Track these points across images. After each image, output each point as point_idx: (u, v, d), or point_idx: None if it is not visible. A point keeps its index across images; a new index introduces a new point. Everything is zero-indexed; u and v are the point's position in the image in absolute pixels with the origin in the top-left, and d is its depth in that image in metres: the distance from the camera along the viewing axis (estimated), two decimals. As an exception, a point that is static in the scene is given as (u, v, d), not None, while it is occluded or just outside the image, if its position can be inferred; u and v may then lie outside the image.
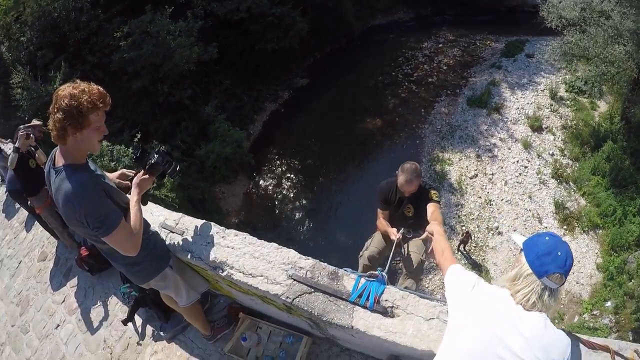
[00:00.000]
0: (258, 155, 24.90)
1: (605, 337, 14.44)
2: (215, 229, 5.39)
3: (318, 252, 21.20)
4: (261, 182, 24.42)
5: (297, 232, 22.47)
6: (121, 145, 18.01)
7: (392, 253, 6.27)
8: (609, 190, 22.50)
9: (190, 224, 5.62)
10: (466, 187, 23.27)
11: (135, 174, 4.56)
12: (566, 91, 27.36)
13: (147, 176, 4.39)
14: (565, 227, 22.10)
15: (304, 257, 5.14)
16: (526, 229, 21.97)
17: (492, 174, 23.70)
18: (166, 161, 4.56)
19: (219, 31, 26.12)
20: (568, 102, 26.80)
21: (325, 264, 4.94)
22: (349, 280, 4.56)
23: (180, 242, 5.23)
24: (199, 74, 24.47)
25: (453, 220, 22.13)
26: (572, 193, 23.29)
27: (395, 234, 6.48)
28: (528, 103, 26.62)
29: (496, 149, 24.61)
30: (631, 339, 17.79)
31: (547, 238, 3.02)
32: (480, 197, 22.94)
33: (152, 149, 4.90)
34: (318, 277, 4.66)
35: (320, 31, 31.40)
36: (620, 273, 19.70)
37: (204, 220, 5.60)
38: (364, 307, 4.18)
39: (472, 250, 21.31)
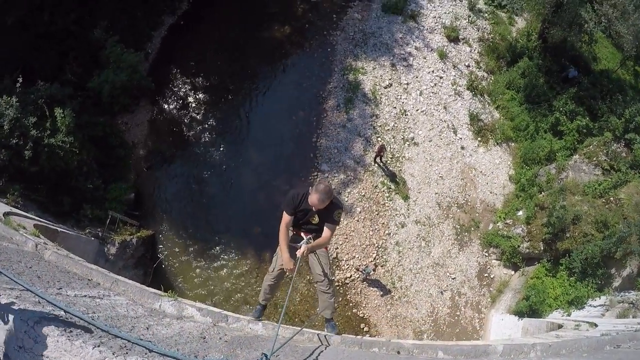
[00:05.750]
0: (159, 76, 21.65)
1: (518, 246, 13.74)
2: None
3: (232, 175, 19.58)
4: (165, 106, 21.50)
5: (210, 156, 20.24)
6: (3, 97, 14.85)
7: (287, 298, 6.53)
8: (522, 105, 22.12)
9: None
10: (380, 97, 21.50)
11: None
12: (485, 3, 25.80)
13: None
14: (479, 138, 21.36)
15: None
16: (441, 139, 20.93)
17: (407, 84, 22.01)
18: None
19: None
20: (486, 14, 25.30)
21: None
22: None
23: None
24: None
25: (369, 131, 20.59)
26: (487, 105, 22.41)
27: (291, 267, 6.65)
28: (445, 12, 24.67)
29: (411, 58, 22.78)
30: (542, 248, 17.93)
31: None
32: (395, 108, 21.34)
33: None
34: None
35: None
36: (531, 185, 19.68)
37: None
38: None
39: (388, 162, 20.01)
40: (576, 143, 20.50)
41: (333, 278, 7.15)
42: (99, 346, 3.51)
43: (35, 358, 3.36)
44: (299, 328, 6.19)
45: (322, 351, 5.59)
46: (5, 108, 14.64)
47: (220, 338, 5.18)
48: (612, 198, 17.66)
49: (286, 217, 6.81)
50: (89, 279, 6.23)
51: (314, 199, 6.35)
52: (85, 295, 5.29)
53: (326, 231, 6.75)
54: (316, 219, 6.82)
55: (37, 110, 15.90)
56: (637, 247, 15.10)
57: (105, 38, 19.59)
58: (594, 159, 19.25)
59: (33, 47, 18.66)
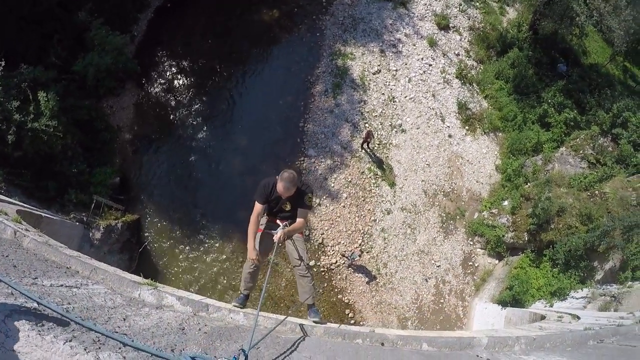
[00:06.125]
0: (145, 59, 21.32)
1: (502, 236, 13.73)
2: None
3: (219, 159, 19.34)
4: (151, 89, 21.16)
5: (196, 140, 19.98)
6: None
7: (265, 284, 6.59)
8: (511, 95, 22.04)
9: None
10: (369, 83, 21.31)
11: None
12: (476, -9, 25.55)
13: None
14: (467, 127, 21.29)
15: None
16: (429, 127, 20.83)
17: (396, 70, 21.81)
18: None
19: None
20: (478, 3, 25.13)
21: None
22: None
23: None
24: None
25: (356, 117, 20.44)
26: (475, 94, 22.32)
27: (254, 257, 6.94)
28: (436, 0, 24.16)
29: (401, 45, 22.58)
30: (526, 239, 17.96)
31: None
32: (383, 94, 21.16)
33: None
34: None
35: None
36: (517, 176, 19.72)
37: None
38: None
39: (375, 148, 19.91)
40: (563, 135, 20.49)
41: (310, 263, 7.41)
42: (70, 341, 3.38)
43: (7, 353, 3.22)
44: (282, 317, 6.10)
45: (304, 342, 5.50)
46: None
47: (199, 329, 5.06)
48: (597, 192, 17.64)
49: (258, 207, 7.12)
50: (67, 267, 6.07)
51: (279, 187, 6.68)
52: (61, 285, 5.14)
53: (300, 217, 7.15)
54: (288, 206, 7.20)
55: (20, 94, 15.52)
56: (620, 242, 15.15)
57: (90, 20, 19.18)
58: (581, 152, 19.29)
59: (16, 29, 18.18)
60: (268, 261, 7.27)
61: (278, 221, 7.29)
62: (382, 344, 5.89)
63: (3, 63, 15.31)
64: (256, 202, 7.15)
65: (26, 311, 3.65)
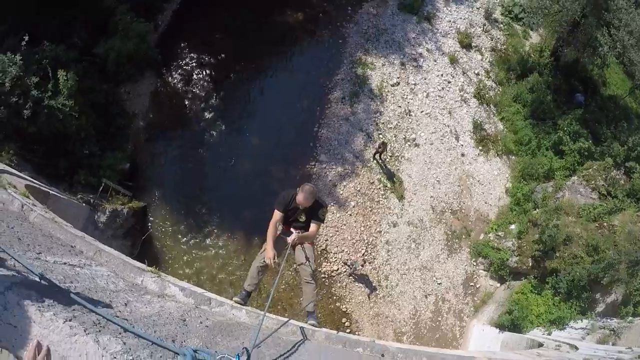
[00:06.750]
0: (166, 49, 21.14)
1: (507, 259, 13.58)
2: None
3: (230, 157, 19.16)
4: (169, 79, 20.98)
5: (209, 134, 19.83)
6: (7, 55, 14.48)
7: (274, 286, 6.86)
8: (527, 120, 21.83)
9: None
10: (387, 95, 21.17)
11: None
12: (502, 14, 25.46)
13: None
14: (480, 147, 21.10)
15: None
16: (442, 144, 20.68)
17: (415, 84, 21.67)
18: None
19: None
20: (502, 25, 24.99)
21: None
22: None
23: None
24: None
25: (371, 127, 20.29)
26: (492, 116, 22.12)
27: (270, 256, 7.20)
28: (461, 18, 24.31)
29: (422, 59, 22.45)
30: (530, 265, 17.73)
31: None
32: (400, 107, 21.01)
33: None
34: None
35: None
36: (527, 201, 19.51)
37: None
38: None
39: (387, 160, 19.74)
40: (576, 164, 20.27)
41: (315, 268, 7.94)
42: (70, 320, 3.23)
43: (3, 326, 3.09)
44: (283, 319, 5.99)
45: (305, 346, 5.37)
46: (8, 65, 14.27)
47: (201, 322, 4.93)
48: (605, 224, 17.45)
49: (277, 215, 7.77)
50: (71, 246, 5.95)
51: (300, 197, 7.40)
52: (65, 263, 5.02)
53: (313, 227, 7.87)
54: (303, 217, 7.86)
55: (40, 70, 15.44)
56: (625, 276, 14.97)
57: (116, 5, 19.21)
58: (592, 182, 19.03)
59: (41, 7, 18.21)
60: (279, 264, 7.43)
61: (292, 229, 7.89)
62: (382, 355, 5.76)
63: (26, 38, 15.29)
64: (276, 210, 7.76)
65: (27, 285, 3.52)
